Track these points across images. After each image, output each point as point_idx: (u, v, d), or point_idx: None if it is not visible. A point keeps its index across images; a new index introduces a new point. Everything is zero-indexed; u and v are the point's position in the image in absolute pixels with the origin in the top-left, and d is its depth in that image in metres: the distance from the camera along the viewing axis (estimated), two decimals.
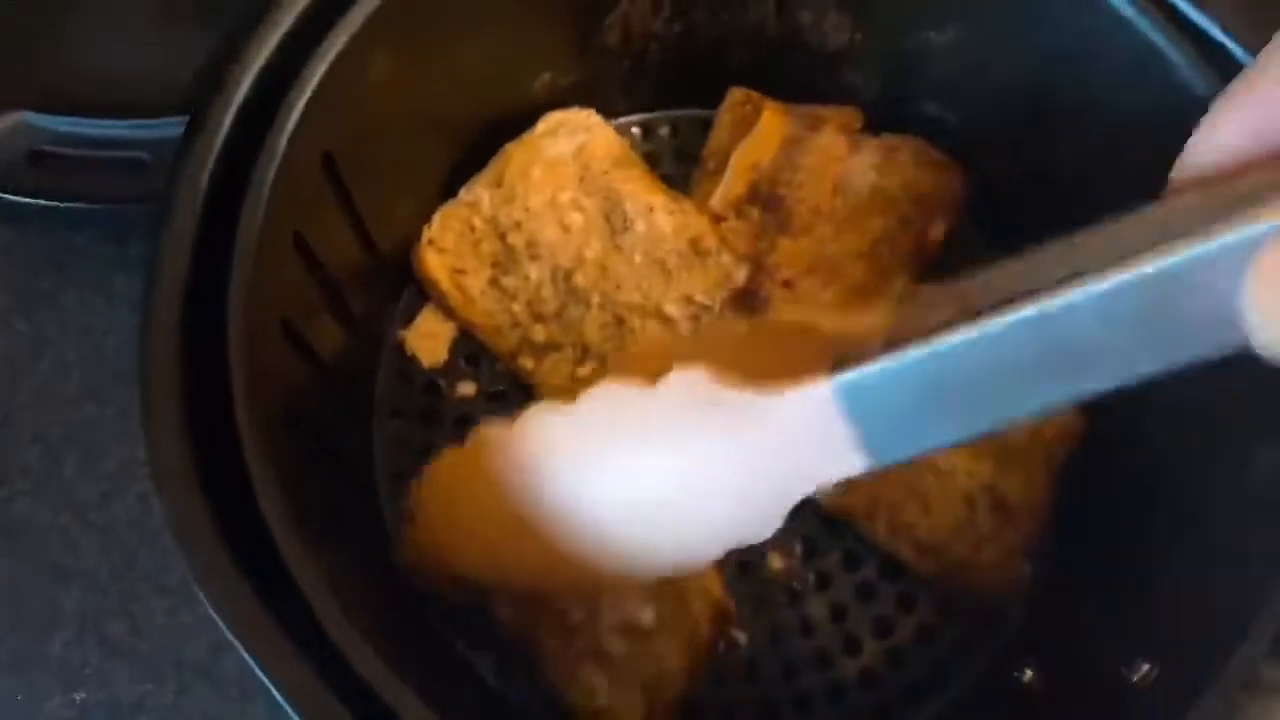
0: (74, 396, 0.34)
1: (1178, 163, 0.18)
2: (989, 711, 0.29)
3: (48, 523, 0.32)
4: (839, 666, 0.29)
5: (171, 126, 0.33)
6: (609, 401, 0.21)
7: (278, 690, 0.20)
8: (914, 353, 0.18)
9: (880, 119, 0.33)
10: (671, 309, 0.31)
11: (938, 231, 0.32)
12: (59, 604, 0.31)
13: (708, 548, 0.22)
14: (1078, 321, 0.16)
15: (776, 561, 0.30)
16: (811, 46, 0.33)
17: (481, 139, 0.32)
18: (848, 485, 0.30)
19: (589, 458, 0.22)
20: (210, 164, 0.23)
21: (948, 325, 0.17)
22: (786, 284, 0.31)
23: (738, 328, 0.28)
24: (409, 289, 0.33)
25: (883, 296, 0.23)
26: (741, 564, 0.30)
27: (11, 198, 0.33)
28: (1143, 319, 0.16)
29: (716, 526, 0.22)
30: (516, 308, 0.31)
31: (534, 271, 0.31)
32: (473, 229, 0.31)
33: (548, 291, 0.31)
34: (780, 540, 0.31)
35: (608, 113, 0.32)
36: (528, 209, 0.31)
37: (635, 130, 0.35)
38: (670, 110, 0.35)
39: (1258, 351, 0.16)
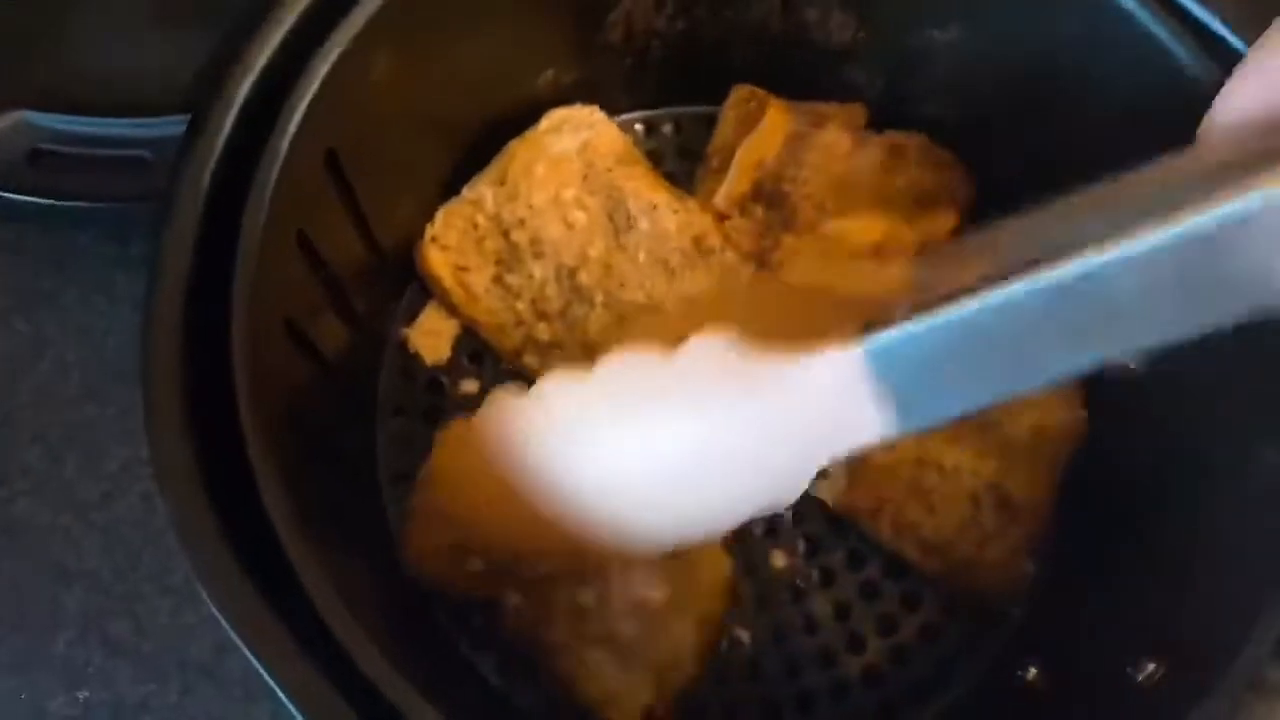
0: (75, 396, 0.34)
1: (1205, 120, 0.18)
2: (993, 710, 0.29)
3: (49, 523, 0.32)
4: (842, 665, 0.29)
5: (172, 125, 0.33)
6: (627, 370, 0.20)
7: (282, 690, 0.20)
8: (944, 315, 0.17)
9: (884, 116, 0.33)
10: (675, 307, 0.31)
11: (941, 228, 0.32)
12: (61, 604, 0.31)
13: (729, 514, 0.22)
14: (1116, 281, 0.16)
15: (780, 559, 0.30)
16: (816, 44, 0.33)
17: (484, 137, 0.32)
18: (852, 484, 0.30)
19: (607, 426, 0.21)
20: (212, 162, 0.23)
21: (978, 286, 0.17)
22: None
23: (753, 290, 0.27)
24: (412, 287, 0.33)
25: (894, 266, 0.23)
26: (745, 562, 0.30)
27: (12, 196, 0.33)
28: (1180, 278, 0.16)
29: (738, 493, 0.21)
30: (520, 306, 0.31)
31: (538, 269, 0.31)
32: (476, 226, 0.31)
33: (552, 290, 0.31)
34: (784, 538, 0.31)
35: (611, 110, 0.32)
36: (531, 206, 0.31)
37: (639, 127, 0.35)
38: (674, 107, 0.35)
39: None
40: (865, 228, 0.31)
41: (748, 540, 0.30)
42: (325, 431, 0.28)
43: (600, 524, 0.22)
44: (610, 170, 0.31)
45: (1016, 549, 0.29)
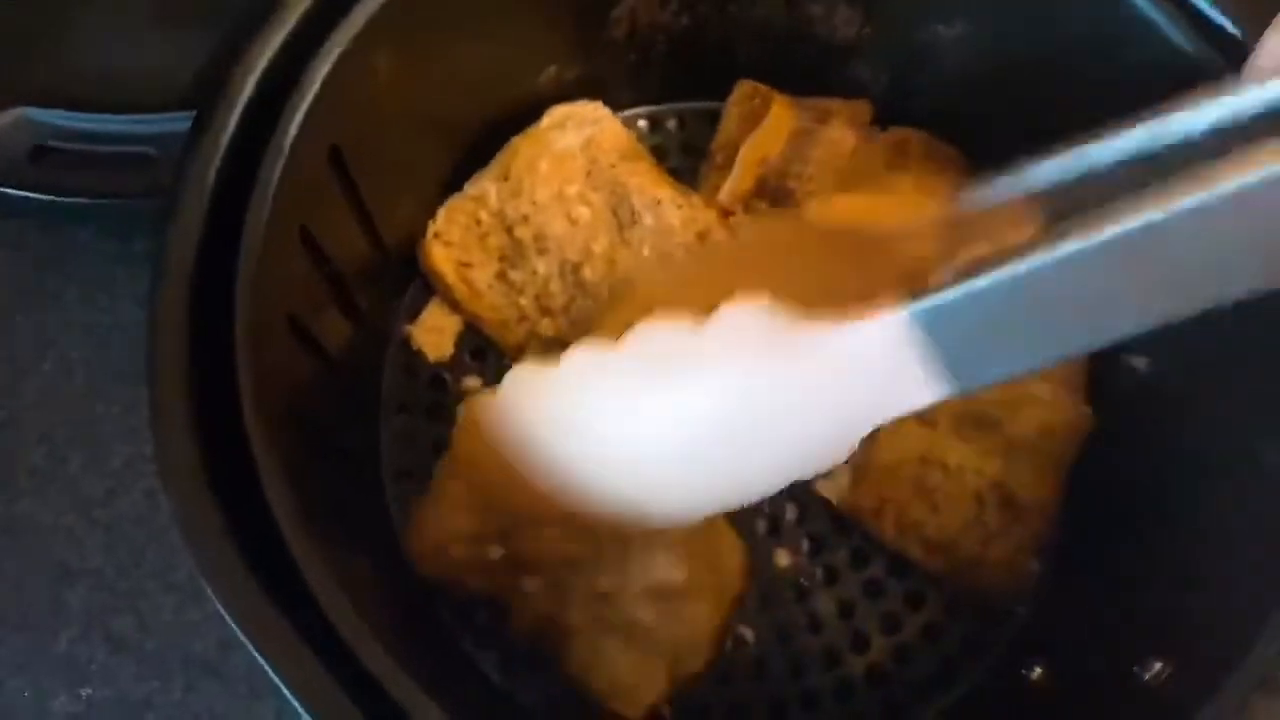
0: (78, 394, 0.34)
1: (1247, 66, 0.17)
2: (997, 709, 0.29)
3: (53, 520, 0.32)
4: (847, 664, 0.29)
5: (174, 121, 0.33)
6: (659, 338, 0.20)
7: (286, 686, 0.20)
8: (997, 276, 0.17)
9: (889, 112, 0.33)
10: None
11: None
12: (65, 602, 0.31)
13: (766, 482, 0.21)
14: (1178, 236, 0.15)
15: (784, 558, 0.30)
16: (820, 39, 0.33)
17: (487, 133, 0.32)
18: (855, 483, 0.30)
19: (640, 395, 0.21)
20: (217, 159, 0.23)
21: (1031, 245, 0.17)
22: None
23: (778, 232, 0.25)
24: (414, 284, 0.33)
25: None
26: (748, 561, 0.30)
27: (13, 193, 0.33)
28: (1246, 232, 0.15)
29: (776, 460, 0.21)
30: (524, 302, 0.31)
31: (541, 265, 0.31)
32: (479, 222, 0.31)
33: (555, 285, 0.31)
34: (787, 537, 0.31)
35: (615, 106, 0.32)
36: (535, 203, 0.31)
37: (642, 123, 0.35)
38: (678, 103, 0.35)
39: None
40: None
41: (751, 539, 0.30)
42: (328, 428, 0.28)
43: (632, 495, 0.22)
44: (614, 166, 0.31)
45: (1021, 548, 0.29)
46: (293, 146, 0.24)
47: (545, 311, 0.31)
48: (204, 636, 0.31)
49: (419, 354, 0.32)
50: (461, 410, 0.24)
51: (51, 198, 0.33)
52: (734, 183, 0.31)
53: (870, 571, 0.30)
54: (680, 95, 0.35)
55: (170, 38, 0.35)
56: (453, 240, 0.31)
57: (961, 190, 0.21)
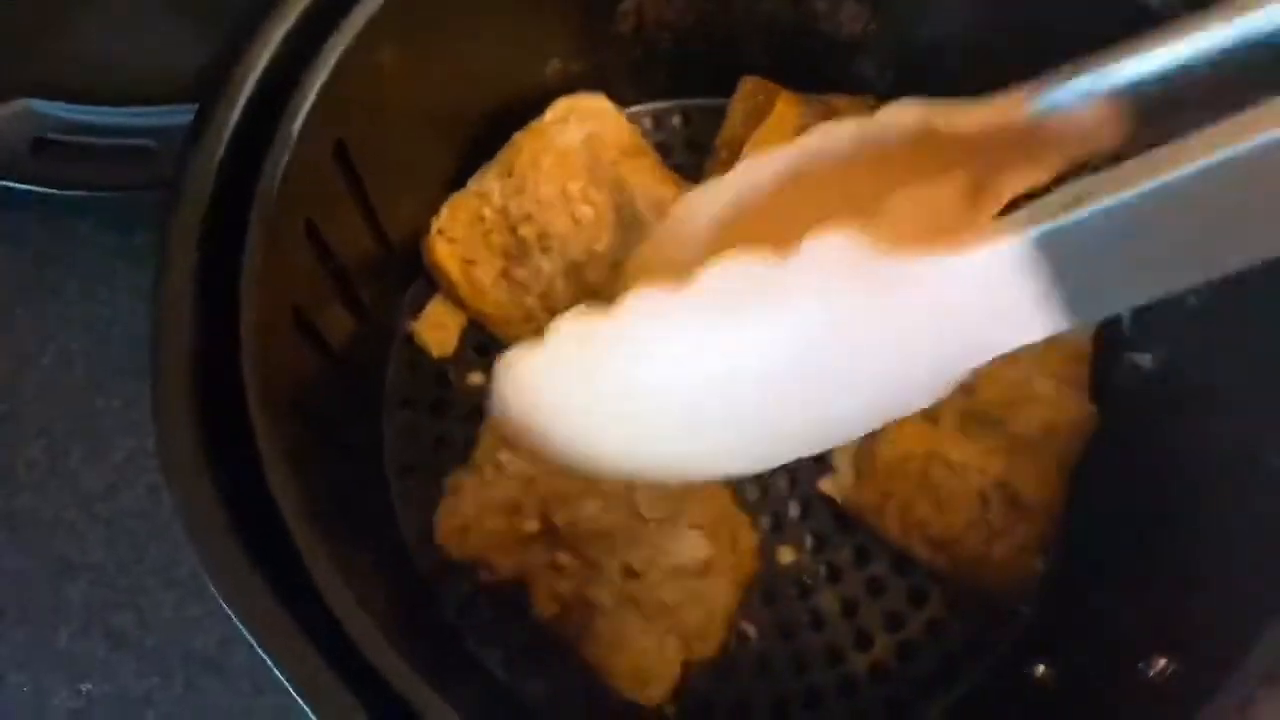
0: (79, 388, 0.33)
1: None
2: (1000, 706, 0.29)
3: (53, 516, 0.32)
4: (850, 661, 0.29)
5: (176, 114, 0.33)
6: (734, 276, 0.18)
7: (289, 682, 0.19)
8: (1124, 196, 0.16)
9: None
10: None
11: None
12: (66, 597, 0.31)
13: (851, 427, 0.20)
14: None
15: (787, 555, 0.30)
16: (826, 36, 0.32)
17: (492, 127, 0.32)
18: (859, 480, 0.30)
19: (716, 339, 0.19)
20: (220, 152, 0.23)
21: (1156, 164, 0.16)
22: None
23: (838, 138, 0.22)
24: (418, 280, 0.32)
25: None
26: None
27: (14, 185, 0.33)
28: None
29: (865, 404, 0.19)
30: (529, 300, 0.31)
31: (546, 264, 0.31)
32: (482, 219, 0.31)
33: (560, 284, 0.30)
34: (790, 534, 0.30)
35: (619, 102, 0.32)
36: (538, 201, 0.31)
37: (646, 120, 0.35)
38: (682, 99, 0.35)
39: None
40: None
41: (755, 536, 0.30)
42: (332, 424, 0.28)
43: (705, 444, 0.20)
44: (616, 163, 0.31)
45: (1025, 546, 0.29)
46: (297, 141, 0.23)
47: (550, 309, 0.31)
48: (205, 632, 0.31)
49: (423, 350, 0.32)
50: (500, 367, 0.22)
51: (52, 190, 0.33)
52: None
53: (873, 569, 0.30)
54: (685, 91, 0.35)
55: (172, 29, 0.35)
56: (456, 237, 0.31)
57: (1032, 91, 0.20)
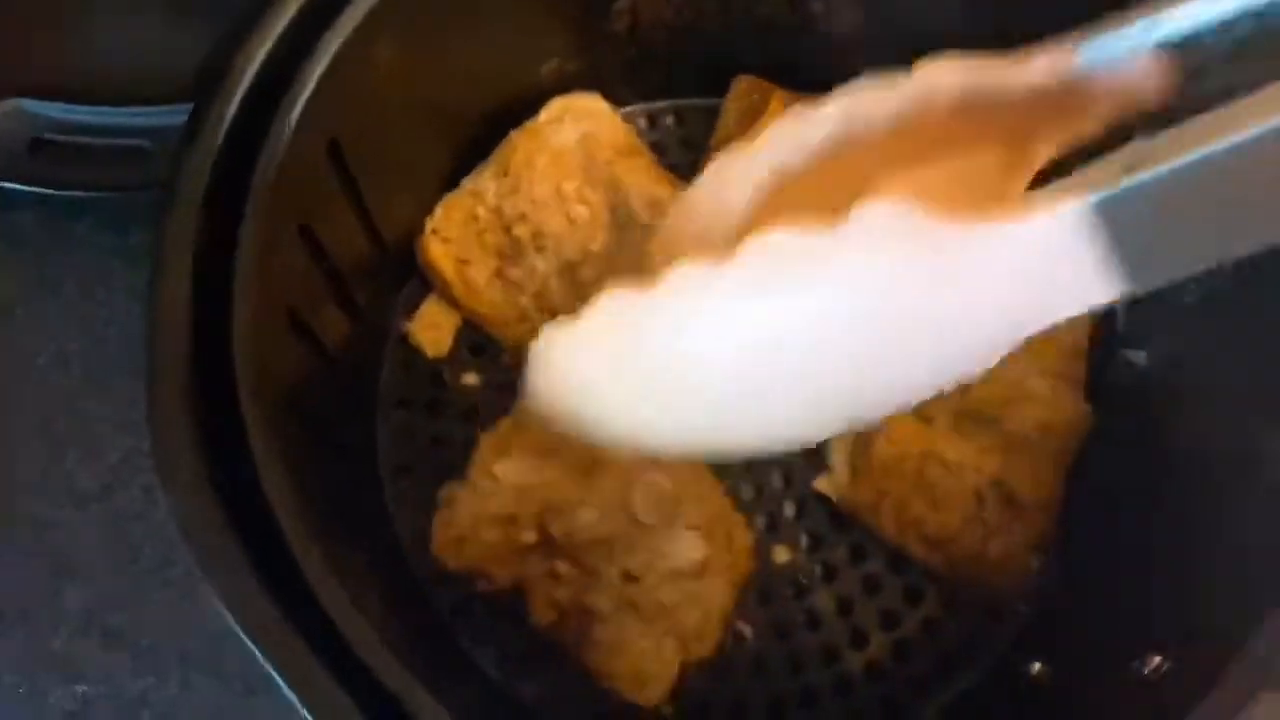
0: (75, 387, 0.33)
1: None
2: (997, 704, 0.29)
3: (49, 516, 0.32)
4: (846, 660, 0.29)
5: (171, 114, 0.33)
6: (782, 247, 0.18)
7: (284, 682, 0.19)
8: (1188, 159, 0.15)
9: None
10: None
11: None
12: (61, 598, 0.31)
13: (900, 399, 0.20)
14: None
15: (782, 555, 0.30)
16: (821, 35, 0.32)
17: (487, 127, 0.32)
18: (854, 479, 0.30)
19: (765, 310, 0.18)
20: (215, 151, 0.23)
21: (1223, 126, 0.15)
22: None
23: (878, 107, 0.22)
24: (412, 280, 0.32)
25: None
26: None
27: (10, 186, 0.33)
28: None
29: (915, 374, 0.19)
30: (524, 300, 0.31)
31: (540, 263, 0.31)
32: (476, 219, 0.31)
33: (555, 284, 0.30)
34: (786, 533, 0.31)
35: (615, 101, 0.32)
36: (533, 200, 0.31)
37: (641, 119, 0.35)
38: (677, 99, 0.35)
39: None
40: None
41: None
42: (327, 424, 0.28)
43: (750, 418, 0.20)
44: (611, 163, 0.31)
45: (1020, 545, 0.29)
46: (291, 140, 0.23)
47: (545, 310, 0.31)
48: (201, 633, 0.31)
49: (417, 350, 0.32)
50: (535, 345, 0.21)
51: (48, 190, 0.33)
52: None
53: (869, 568, 0.30)
54: (680, 91, 0.35)
55: (166, 30, 0.35)
56: (451, 237, 0.31)
57: (1079, 41, 0.19)
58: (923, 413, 0.29)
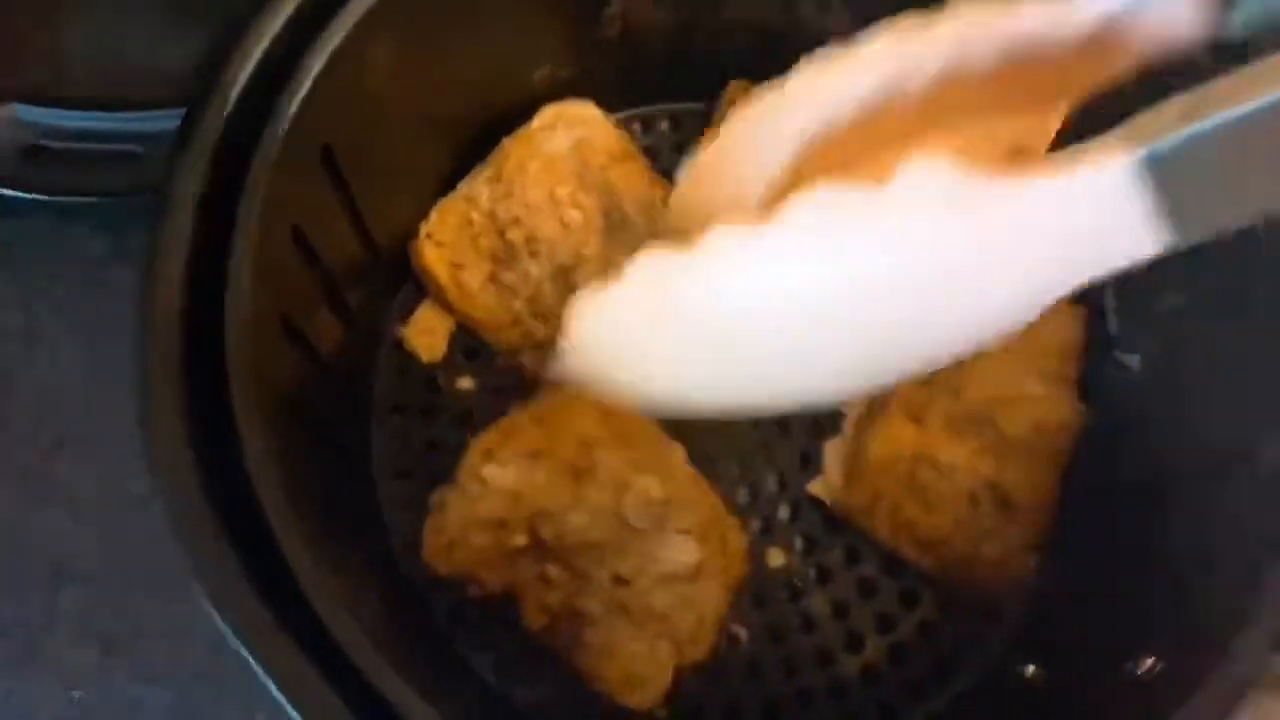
0: (69, 394, 0.33)
1: None
2: (992, 706, 0.29)
3: (44, 522, 0.32)
4: (840, 663, 0.29)
5: (164, 119, 0.33)
6: (829, 207, 0.18)
7: (277, 688, 0.19)
8: (1240, 111, 0.15)
9: None
10: None
11: None
12: (56, 603, 0.31)
13: (944, 351, 0.20)
14: None
15: (777, 558, 0.30)
16: (813, 39, 0.32)
17: (480, 133, 0.32)
18: (848, 481, 0.30)
19: (813, 269, 0.18)
20: (208, 156, 0.23)
21: (1273, 77, 0.15)
22: None
23: (917, 65, 0.22)
24: (407, 285, 0.32)
25: None
26: None
27: (5, 192, 0.33)
28: None
29: (963, 326, 0.19)
30: (518, 305, 0.31)
31: (534, 268, 0.31)
32: (471, 223, 0.31)
33: (548, 288, 0.31)
34: (780, 536, 0.31)
35: (607, 107, 0.32)
36: (526, 205, 0.31)
37: (635, 124, 0.35)
38: (670, 104, 0.35)
39: None
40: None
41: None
42: (322, 429, 0.28)
43: (792, 376, 0.20)
44: (605, 168, 0.31)
45: (1015, 547, 0.29)
46: (285, 145, 0.23)
47: (539, 315, 0.31)
48: (196, 639, 0.31)
49: (412, 355, 0.32)
50: (573, 307, 0.21)
51: (42, 196, 0.33)
52: None
53: (863, 570, 0.30)
54: (673, 95, 0.35)
55: (162, 33, 0.35)
56: (445, 241, 0.31)
57: None
58: (916, 414, 0.29)
